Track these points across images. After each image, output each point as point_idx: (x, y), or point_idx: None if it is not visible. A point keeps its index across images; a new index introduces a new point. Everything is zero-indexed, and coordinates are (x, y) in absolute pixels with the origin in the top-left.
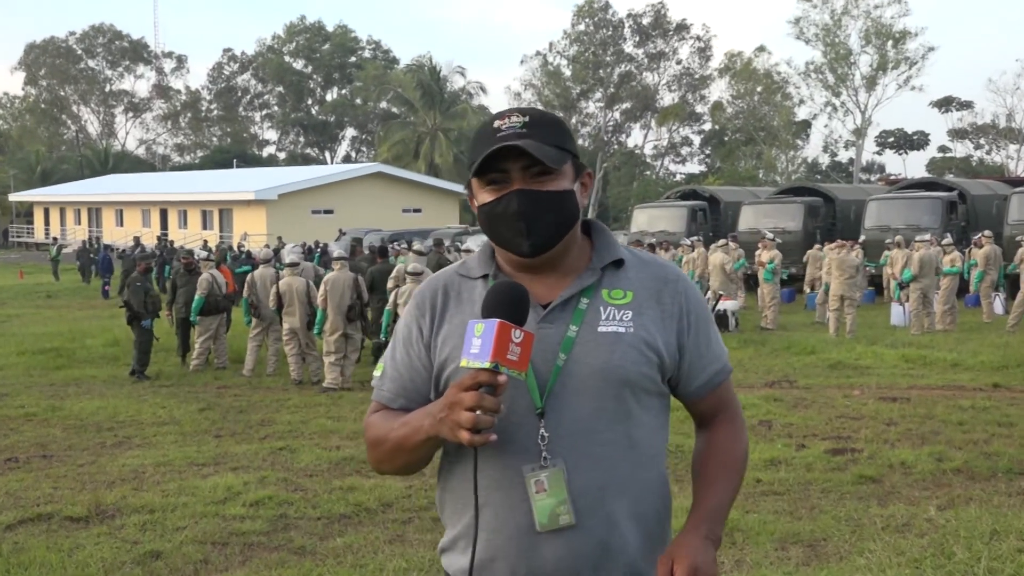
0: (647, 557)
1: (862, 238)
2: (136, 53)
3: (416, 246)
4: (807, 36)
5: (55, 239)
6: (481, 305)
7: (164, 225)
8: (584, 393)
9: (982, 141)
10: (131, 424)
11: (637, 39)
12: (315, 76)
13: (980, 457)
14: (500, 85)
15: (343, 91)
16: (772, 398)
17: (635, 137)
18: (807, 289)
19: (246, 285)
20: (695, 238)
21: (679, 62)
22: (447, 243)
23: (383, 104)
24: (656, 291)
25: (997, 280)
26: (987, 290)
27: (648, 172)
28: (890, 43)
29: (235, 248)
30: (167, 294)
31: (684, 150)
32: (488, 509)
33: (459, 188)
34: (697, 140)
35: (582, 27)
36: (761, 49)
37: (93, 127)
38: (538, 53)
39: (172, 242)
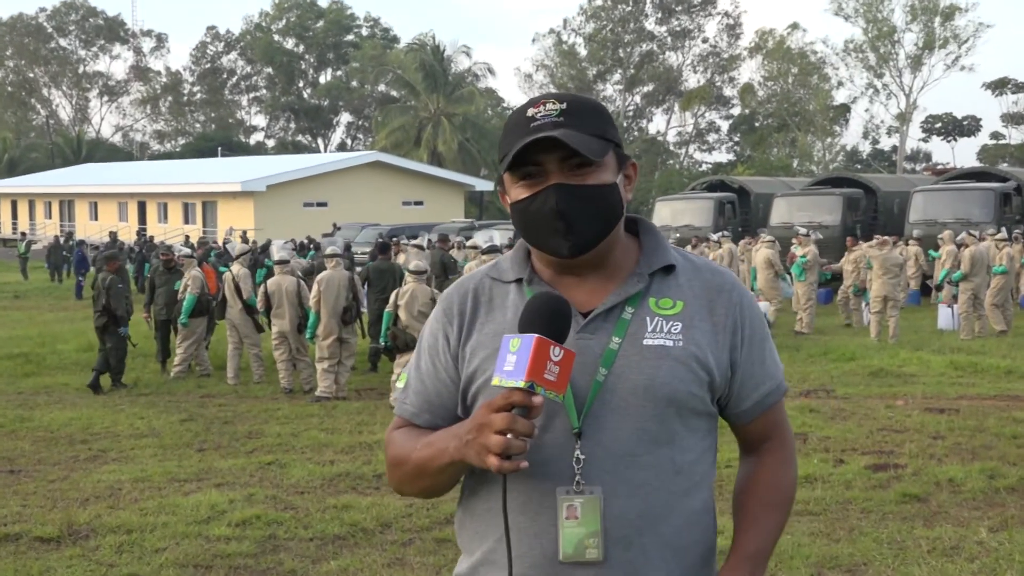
0: None
1: (916, 232)
2: (112, 31)
3: (416, 241)
4: (846, 12)
5: (23, 234)
6: (518, 317)
7: (142, 219)
8: (625, 412)
9: None
10: (106, 436)
11: (659, 15)
12: (307, 56)
13: None
14: (509, 66)
15: (338, 73)
16: (808, 409)
17: (657, 123)
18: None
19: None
20: (723, 233)
21: (705, 40)
22: (452, 239)
23: (381, 87)
24: (708, 301)
25: None
26: None
27: (671, 161)
28: (938, 19)
29: (220, 244)
30: (145, 294)
31: (711, 137)
32: (513, 534)
33: (464, 179)
34: (725, 126)
35: (599, 2)
36: (795, 26)
37: (65, 112)
38: (551, 31)
39: (152, 238)
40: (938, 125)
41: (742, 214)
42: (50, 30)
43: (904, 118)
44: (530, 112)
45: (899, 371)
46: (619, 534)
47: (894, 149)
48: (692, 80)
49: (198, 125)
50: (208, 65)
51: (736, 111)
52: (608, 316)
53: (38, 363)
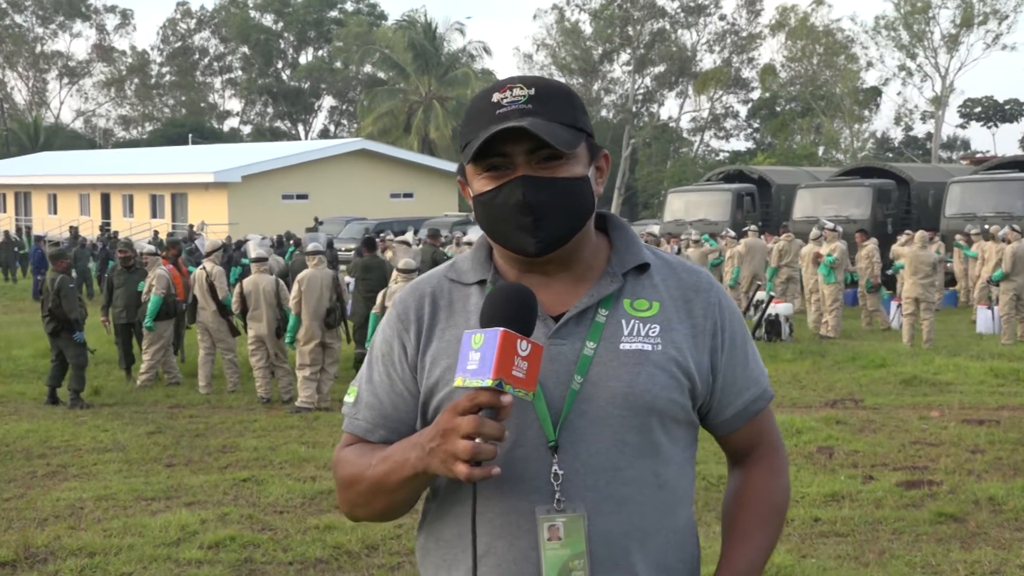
0: None
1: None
2: (72, 7)
3: (401, 237)
4: None
5: None
6: (479, 313)
7: (106, 213)
8: (604, 423)
9: None
10: (67, 450)
11: None
12: (286, 35)
13: None
14: (507, 45)
15: (320, 53)
16: (834, 420)
17: (669, 107)
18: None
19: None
20: (750, 226)
21: (722, 17)
22: (444, 234)
23: (367, 68)
24: (686, 302)
25: None
26: None
27: (685, 149)
28: None
29: (192, 242)
30: (103, 295)
31: (728, 123)
32: (489, 559)
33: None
34: (744, 111)
35: None
36: (820, 2)
37: (21, 95)
38: (554, 7)
39: (116, 233)
40: (977, 110)
41: (762, 207)
42: (4, 5)
43: (940, 102)
44: (496, 97)
45: (934, 379)
46: (605, 555)
47: (929, 136)
48: (708, 61)
49: (167, 110)
50: (178, 44)
51: (756, 95)
52: (581, 319)
53: None
